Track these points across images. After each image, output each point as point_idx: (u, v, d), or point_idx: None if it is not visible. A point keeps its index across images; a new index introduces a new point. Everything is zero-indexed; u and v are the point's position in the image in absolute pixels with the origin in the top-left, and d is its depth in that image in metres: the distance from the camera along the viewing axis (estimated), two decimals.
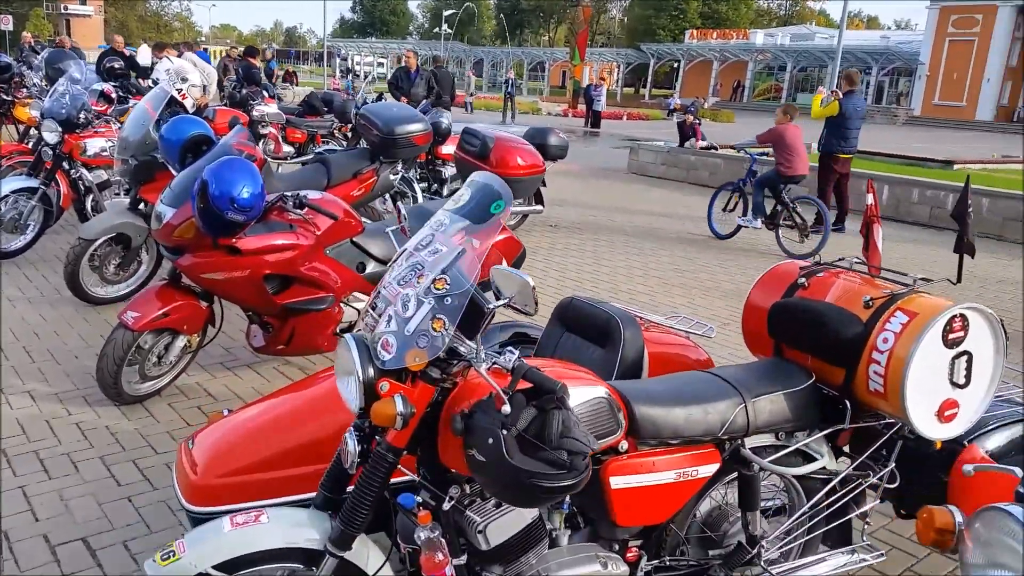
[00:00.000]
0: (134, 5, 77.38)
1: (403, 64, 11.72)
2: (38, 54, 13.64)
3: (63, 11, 64.61)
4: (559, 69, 68.96)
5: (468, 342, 1.78)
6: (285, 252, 3.75)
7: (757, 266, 7.61)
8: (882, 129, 33.53)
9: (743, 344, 2.80)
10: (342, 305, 4.10)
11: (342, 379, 1.87)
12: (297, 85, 30.64)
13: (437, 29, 57.95)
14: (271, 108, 10.43)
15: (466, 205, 1.91)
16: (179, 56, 9.21)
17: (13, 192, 5.89)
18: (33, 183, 6.00)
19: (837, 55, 15.55)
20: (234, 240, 3.57)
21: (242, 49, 18.24)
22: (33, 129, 7.01)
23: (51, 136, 5.96)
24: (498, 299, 1.79)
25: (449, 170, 7.74)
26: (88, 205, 6.28)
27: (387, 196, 6.64)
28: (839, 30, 15.23)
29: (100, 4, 68.06)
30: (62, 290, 5.34)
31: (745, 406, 2.20)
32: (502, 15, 52.63)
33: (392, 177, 5.98)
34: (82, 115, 6.09)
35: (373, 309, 1.91)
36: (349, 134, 11.19)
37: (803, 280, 2.52)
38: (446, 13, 51.87)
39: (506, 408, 1.63)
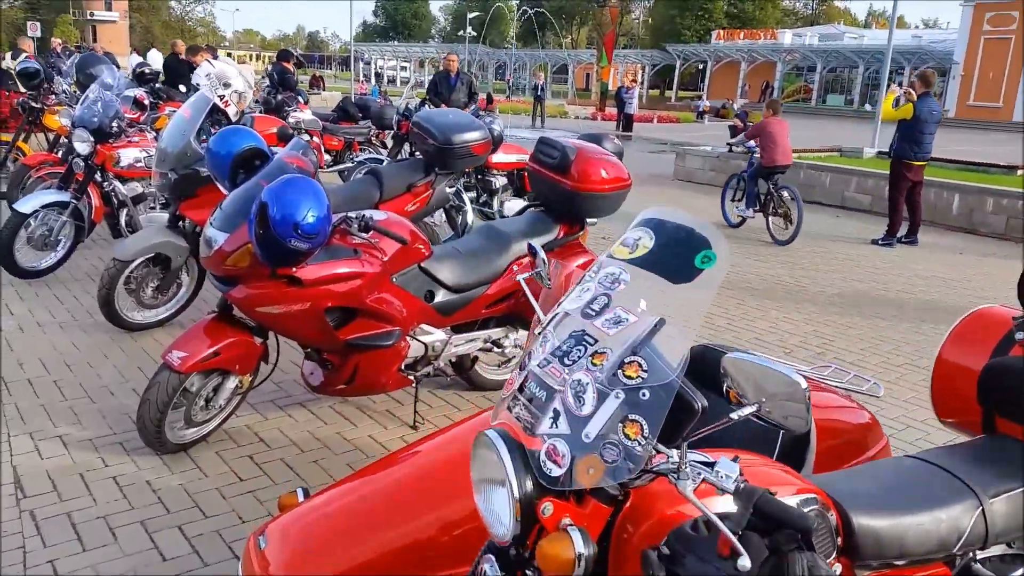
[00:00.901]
0: (158, 10, 78.02)
1: (441, 68, 11.19)
2: (65, 60, 13.35)
3: (89, 17, 65.13)
4: (583, 71, 68.43)
5: (666, 449, 1.29)
6: (350, 282, 3.28)
7: (824, 278, 7.06)
8: None
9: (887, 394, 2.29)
10: (408, 339, 3.63)
11: (484, 491, 1.39)
12: (324, 90, 30.41)
13: (461, 32, 57.62)
14: (307, 115, 10.01)
15: (653, 255, 1.41)
16: (215, 59, 8.80)
17: (43, 207, 5.49)
18: (64, 197, 5.60)
19: (887, 55, 14.89)
20: (294, 269, 3.11)
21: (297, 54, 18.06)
22: (63, 138, 6.63)
23: (83, 146, 5.55)
24: (725, 394, 1.30)
25: (499, 180, 7.27)
26: (122, 220, 5.87)
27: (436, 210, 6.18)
28: (889, 28, 14.61)
29: (125, 10, 68.57)
30: (95, 313, 4.93)
31: (982, 509, 1.70)
32: (530, 15, 52.09)
33: (448, 190, 5.52)
34: (115, 124, 5.67)
35: (521, 392, 1.43)
36: (388, 141, 10.78)
37: (1021, 335, 2.01)
38: (470, 16, 51.47)
39: (744, 562, 1.14)
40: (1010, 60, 43.23)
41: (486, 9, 70.52)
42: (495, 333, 4.00)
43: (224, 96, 4.81)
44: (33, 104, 8.68)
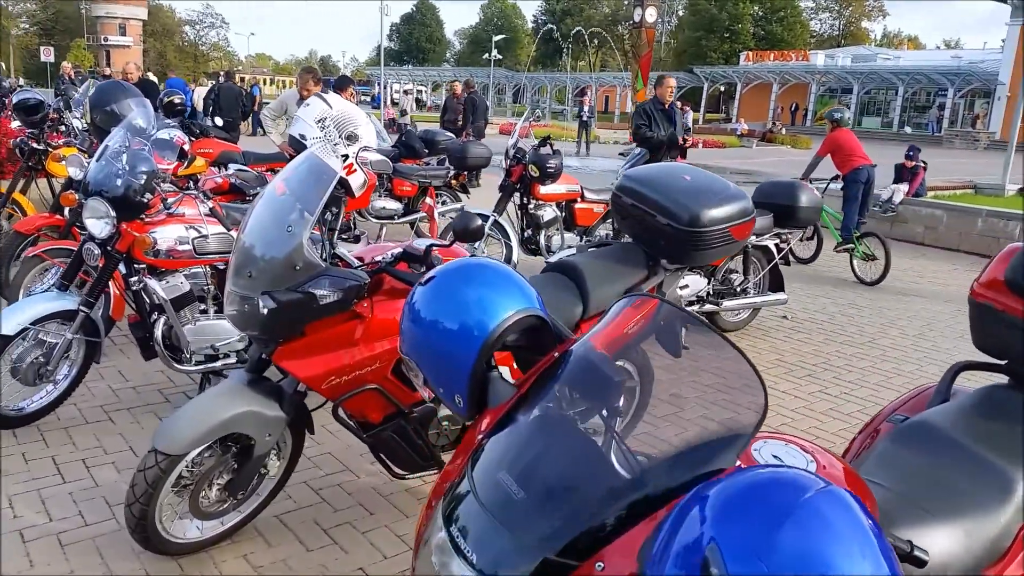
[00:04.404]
0: (172, 35, 77.41)
1: (655, 96, 8.05)
2: (78, 87, 11.46)
3: (103, 42, 64.22)
4: (603, 94, 66.79)
5: None
6: None
7: None
8: (964, 155, 30.59)
9: None
10: None
11: None
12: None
13: (486, 55, 56.10)
14: (374, 155, 8.02)
15: None
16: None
17: (35, 323, 3.49)
18: (70, 303, 3.60)
19: (1004, 71, 12.89)
20: None
21: (413, 86, 16.39)
22: (68, 209, 4.64)
23: (99, 226, 3.56)
24: None
25: (548, 213, 5.37)
26: (158, 332, 3.80)
27: None
28: (1006, 40, 12.63)
29: (139, 35, 67.73)
30: (115, 499, 2.94)
31: None
32: (559, 36, 50.65)
33: (679, 293, 3.50)
34: (147, 190, 3.66)
35: None
36: (466, 183, 8.80)
37: None
38: (496, 38, 49.91)
39: None
40: None
41: (504, 31, 69.31)
42: None
43: (348, 158, 2.79)
44: (35, 145, 6.71)
